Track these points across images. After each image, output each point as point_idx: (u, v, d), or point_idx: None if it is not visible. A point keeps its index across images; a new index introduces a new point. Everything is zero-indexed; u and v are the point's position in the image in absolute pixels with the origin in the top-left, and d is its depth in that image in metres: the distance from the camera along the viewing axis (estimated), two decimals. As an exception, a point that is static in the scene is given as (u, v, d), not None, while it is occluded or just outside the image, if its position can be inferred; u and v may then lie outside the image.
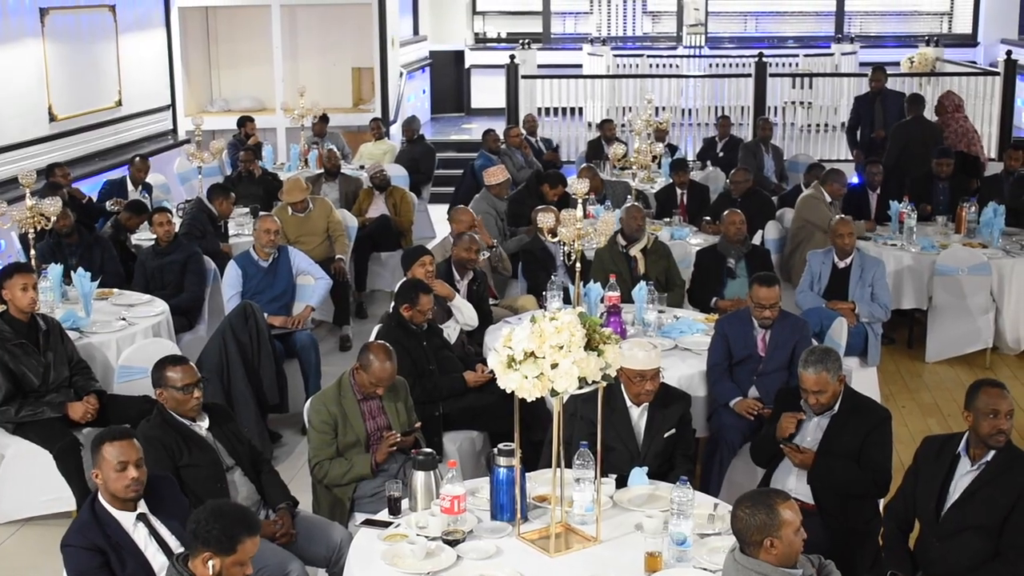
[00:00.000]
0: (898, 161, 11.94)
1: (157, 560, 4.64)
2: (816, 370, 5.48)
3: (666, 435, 5.73)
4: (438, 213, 13.86)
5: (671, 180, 11.66)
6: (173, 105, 15.89)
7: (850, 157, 14.93)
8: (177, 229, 9.49)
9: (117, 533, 4.62)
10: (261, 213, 9.92)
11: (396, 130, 16.48)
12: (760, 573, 3.94)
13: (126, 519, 4.65)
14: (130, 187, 11.39)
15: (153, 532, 4.69)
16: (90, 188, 11.73)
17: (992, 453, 4.90)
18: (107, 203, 10.80)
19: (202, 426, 5.50)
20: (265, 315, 8.00)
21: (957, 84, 15.24)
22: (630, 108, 15.73)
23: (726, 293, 8.70)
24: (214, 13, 17.34)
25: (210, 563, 3.93)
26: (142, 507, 4.70)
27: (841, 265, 8.57)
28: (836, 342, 7.38)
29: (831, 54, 19.59)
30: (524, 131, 14.72)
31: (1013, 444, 4.97)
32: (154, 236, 9.14)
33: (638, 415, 5.76)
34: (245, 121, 14.23)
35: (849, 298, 8.45)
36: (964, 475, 4.97)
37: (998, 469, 4.88)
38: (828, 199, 10.36)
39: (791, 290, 9.07)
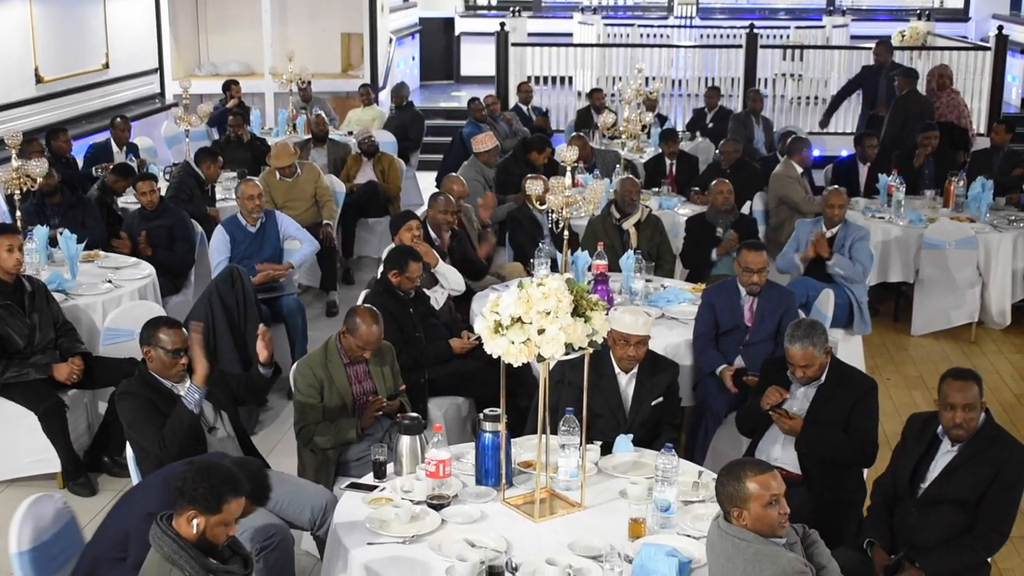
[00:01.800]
0: (898, 136, 11.95)
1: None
2: (803, 345, 5.50)
3: (653, 403, 5.74)
4: (426, 180, 13.84)
5: (660, 150, 11.65)
6: (161, 69, 15.77)
7: (841, 129, 14.96)
8: (164, 193, 9.46)
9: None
10: (249, 179, 9.88)
11: (385, 96, 16.40)
12: (741, 539, 3.95)
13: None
14: (115, 148, 11.33)
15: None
16: (76, 152, 11.65)
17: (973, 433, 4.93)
18: (93, 168, 10.73)
19: (183, 387, 5.48)
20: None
21: (948, 59, 15.20)
22: (620, 77, 15.66)
23: (715, 267, 8.73)
24: (203, -24, 17.25)
25: (194, 522, 3.93)
26: None
27: (828, 235, 8.56)
28: (822, 313, 7.39)
29: (822, 26, 19.53)
30: (518, 100, 14.72)
31: (993, 422, 4.99)
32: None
33: (626, 382, 5.78)
34: (230, 84, 14.16)
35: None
36: (944, 454, 5.01)
37: (978, 447, 4.91)
38: (799, 171, 10.32)
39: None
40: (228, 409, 5.58)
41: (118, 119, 11.60)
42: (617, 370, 5.77)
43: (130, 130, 11.59)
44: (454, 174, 9.62)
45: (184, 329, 5.57)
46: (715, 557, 4.03)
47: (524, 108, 14.54)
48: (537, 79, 16.20)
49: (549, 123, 14.77)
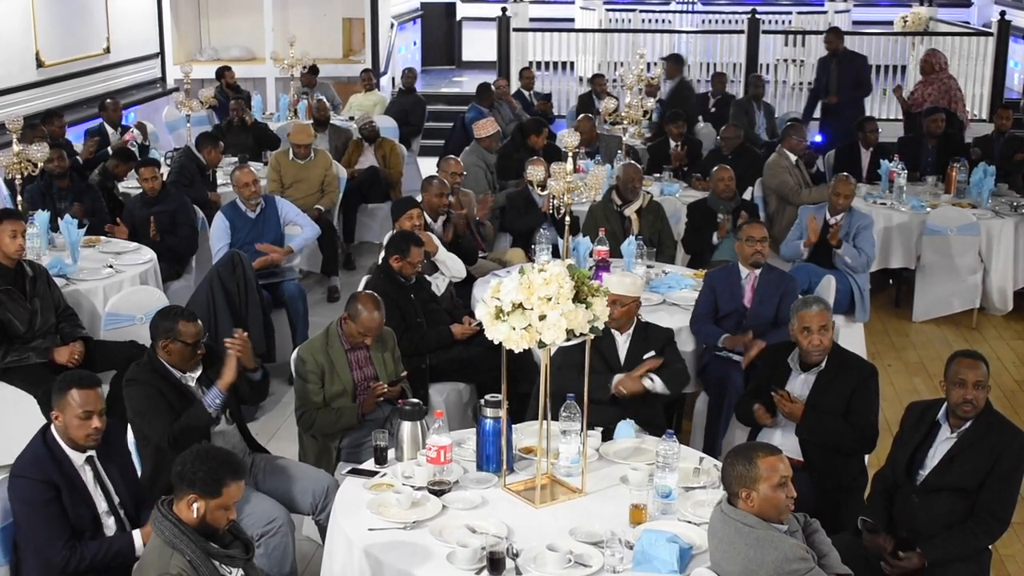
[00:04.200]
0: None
1: (100, 506, 4.71)
2: (819, 307, 5.56)
3: (646, 357, 5.92)
4: (427, 166, 13.79)
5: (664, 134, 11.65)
6: (162, 53, 15.75)
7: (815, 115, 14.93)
8: (166, 178, 9.44)
9: (69, 470, 4.66)
10: (243, 165, 9.85)
11: (386, 82, 16.37)
12: (744, 523, 3.95)
13: (77, 458, 4.70)
14: (110, 131, 11.30)
15: (98, 477, 4.74)
16: (76, 136, 11.65)
17: (970, 420, 4.93)
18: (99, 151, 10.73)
19: (192, 377, 5.47)
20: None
21: (950, 44, 15.18)
22: (621, 63, 15.63)
23: (716, 252, 8.72)
24: (204, -40, 17.22)
25: (195, 505, 3.94)
26: (91, 450, 4.74)
27: (832, 222, 8.54)
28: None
29: (824, 12, 19.47)
30: (520, 85, 14.69)
31: (992, 408, 4.99)
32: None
33: (623, 341, 6.00)
34: (223, 71, 14.11)
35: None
36: (943, 441, 5.01)
37: (978, 434, 4.92)
38: (792, 159, 10.22)
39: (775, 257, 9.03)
40: (231, 402, 5.57)
41: (108, 100, 11.58)
42: (612, 330, 5.96)
43: (121, 110, 11.57)
44: (451, 156, 9.59)
45: (199, 321, 5.54)
46: (717, 543, 4.03)
47: (526, 94, 14.50)
48: (539, 64, 16.18)
49: (551, 108, 14.73)
